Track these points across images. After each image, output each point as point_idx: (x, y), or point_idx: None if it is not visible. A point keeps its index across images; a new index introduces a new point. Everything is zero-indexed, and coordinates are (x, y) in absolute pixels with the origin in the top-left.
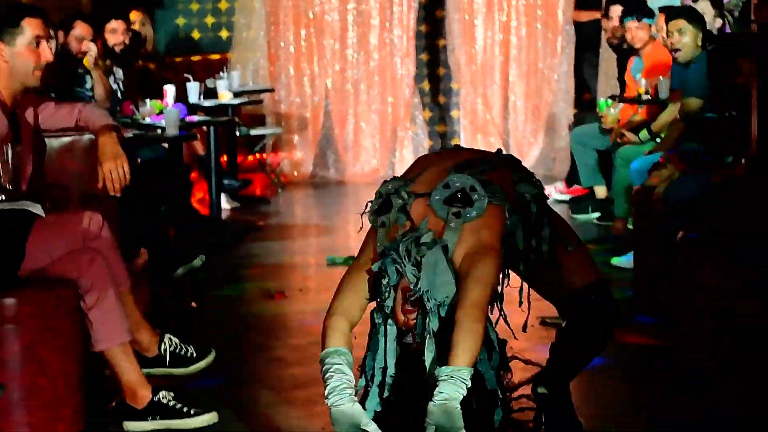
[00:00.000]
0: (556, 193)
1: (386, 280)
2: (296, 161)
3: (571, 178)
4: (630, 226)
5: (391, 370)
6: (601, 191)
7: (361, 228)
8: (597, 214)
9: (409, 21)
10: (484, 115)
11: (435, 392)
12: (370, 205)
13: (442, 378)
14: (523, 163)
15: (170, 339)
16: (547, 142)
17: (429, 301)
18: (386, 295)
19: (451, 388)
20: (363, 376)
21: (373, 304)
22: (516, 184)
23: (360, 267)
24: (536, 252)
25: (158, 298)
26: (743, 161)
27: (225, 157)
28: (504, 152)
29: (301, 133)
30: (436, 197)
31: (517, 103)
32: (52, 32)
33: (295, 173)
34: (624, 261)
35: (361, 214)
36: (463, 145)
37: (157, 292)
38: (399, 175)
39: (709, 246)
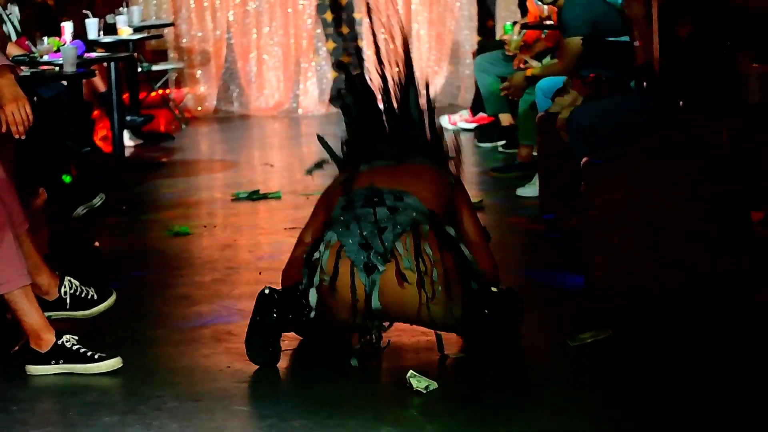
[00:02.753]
0: (461, 122)
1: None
2: (199, 96)
3: (476, 107)
4: (535, 153)
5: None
6: (506, 119)
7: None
8: (503, 142)
9: None
10: (387, 43)
11: None
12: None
13: None
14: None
15: (70, 282)
16: (452, 71)
17: None
18: None
19: None
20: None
21: None
22: None
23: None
24: None
25: (57, 238)
26: (645, 84)
27: (127, 94)
28: None
29: (204, 67)
30: None
31: (420, 32)
32: None
33: (199, 108)
34: (528, 191)
35: None
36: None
37: (57, 232)
38: None
39: (613, 170)
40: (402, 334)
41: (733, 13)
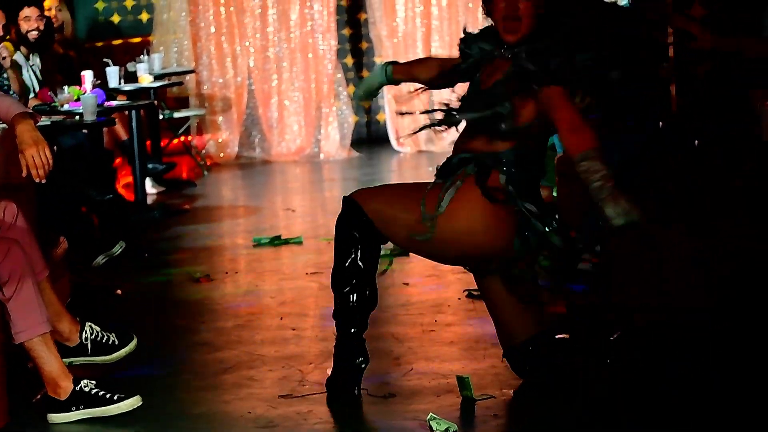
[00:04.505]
0: None
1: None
2: (221, 142)
3: None
4: (554, 194)
5: None
6: None
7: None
8: None
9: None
10: (408, 87)
11: None
12: None
13: None
14: (449, 139)
15: (91, 327)
16: None
17: None
18: None
19: None
20: None
21: None
22: None
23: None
24: None
25: (79, 285)
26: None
27: (149, 141)
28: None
29: (226, 113)
30: None
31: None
32: None
33: (221, 154)
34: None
35: None
36: (389, 120)
37: (78, 280)
38: None
39: None
40: (422, 377)
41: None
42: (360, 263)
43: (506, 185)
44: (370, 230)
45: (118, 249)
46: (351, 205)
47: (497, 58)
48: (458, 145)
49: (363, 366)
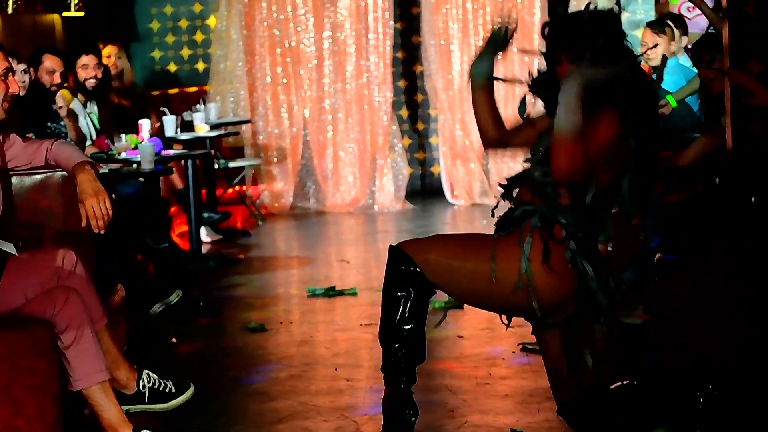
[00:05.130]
0: None
1: None
2: (276, 192)
3: None
4: (609, 248)
5: None
6: None
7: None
8: None
9: (385, 48)
10: (463, 140)
11: None
12: None
13: None
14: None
15: (148, 375)
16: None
17: None
18: None
19: None
20: None
21: None
22: None
23: None
24: None
25: (136, 333)
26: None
27: (204, 191)
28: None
29: (281, 164)
30: None
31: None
32: (23, 66)
33: (275, 204)
34: None
35: None
36: (443, 172)
37: (135, 328)
38: None
39: (686, 267)
40: (477, 430)
41: None
42: (408, 316)
43: (567, 240)
44: (419, 281)
45: (174, 297)
46: (399, 255)
47: None
48: (519, 196)
49: (413, 419)
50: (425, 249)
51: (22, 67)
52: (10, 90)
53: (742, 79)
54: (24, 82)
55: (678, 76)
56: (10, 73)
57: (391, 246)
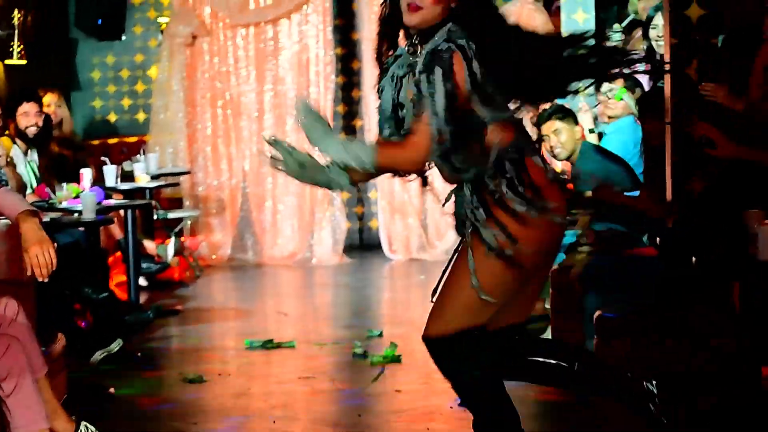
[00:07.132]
0: None
1: None
2: (214, 244)
3: None
4: (547, 306)
5: None
6: None
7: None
8: None
9: (326, 102)
10: (402, 195)
11: None
12: None
13: None
14: (441, 247)
15: (86, 427)
16: None
17: None
18: None
19: None
20: None
21: None
22: None
23: None
24: None
25: (76, 383)
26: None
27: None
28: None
29: (219, 215)
30: None
31: (435, 183)
32: None
33: (214, 256)
34: None
35: None
36: (381, 226)
37: (75, 377)
38: None
39: (627, 324)
40: None
41: (746, 171)
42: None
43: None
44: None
45: (116, 346)
46: (442, 343)
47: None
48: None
49: None
50: (441, 319)
51: None
52: None
53: (706, 130)
54: None
55: (627, 135)
56: None
57: (425, 339)
